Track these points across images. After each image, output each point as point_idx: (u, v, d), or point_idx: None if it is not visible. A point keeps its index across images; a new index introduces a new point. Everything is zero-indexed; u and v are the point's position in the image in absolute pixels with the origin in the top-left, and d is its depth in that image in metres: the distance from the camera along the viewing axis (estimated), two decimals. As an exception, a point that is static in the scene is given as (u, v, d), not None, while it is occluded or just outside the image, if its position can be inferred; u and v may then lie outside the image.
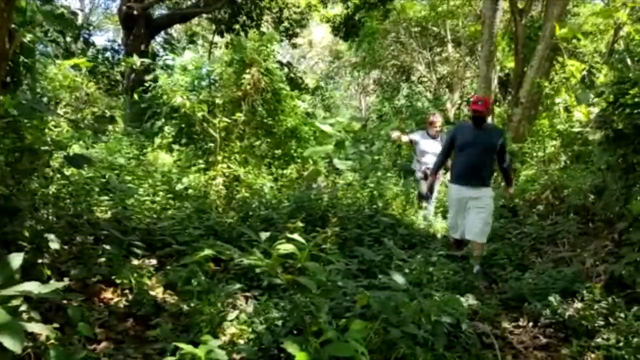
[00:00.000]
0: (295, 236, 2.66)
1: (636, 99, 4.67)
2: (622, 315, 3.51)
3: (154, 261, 4.09)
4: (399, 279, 2.92)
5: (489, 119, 7.00)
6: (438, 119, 7.08)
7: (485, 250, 4.86)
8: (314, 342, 2.24)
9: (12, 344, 1.85)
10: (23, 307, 2.33)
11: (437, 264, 4.32)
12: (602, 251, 4.82)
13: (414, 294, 3.25)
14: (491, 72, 9.42)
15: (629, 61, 5.85)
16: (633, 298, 3.83)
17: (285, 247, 2.55)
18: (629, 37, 8.97)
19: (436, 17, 16.15)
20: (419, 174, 7.03)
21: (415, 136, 7.15)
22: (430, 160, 6.51)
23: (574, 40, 10.47)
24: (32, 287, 2.28)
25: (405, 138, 7.38)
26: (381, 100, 21.38)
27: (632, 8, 9.22)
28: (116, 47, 15.90)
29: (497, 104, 11.89)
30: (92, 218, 4.45)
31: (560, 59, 9.66)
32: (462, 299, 3.63)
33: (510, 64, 12.38)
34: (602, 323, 3.46)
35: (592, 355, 3.14)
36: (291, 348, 2.20)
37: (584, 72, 9.03)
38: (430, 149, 6.79)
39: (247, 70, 7.78)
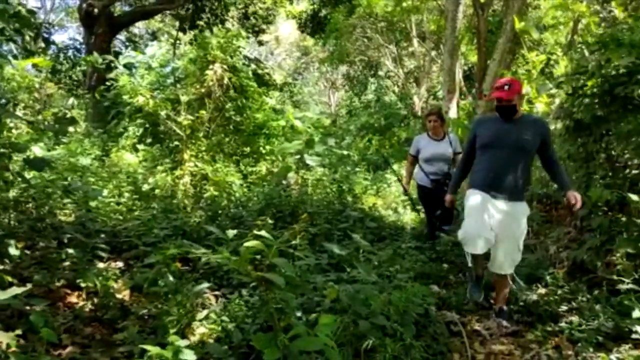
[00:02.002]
0: (263, 233, 2.65)
1: (594, 90, 4.82)
2: (584, 299, 3.65)
3: (120, 264, 4.02)
4: (365, 271, 2.94)
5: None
6: (434, 113, 5.47)
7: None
8: (283, 337, 2.24)
9: (-32, 354, 1.78)
10: (-19, 316, 2.26)
11: (406, 256, 4.37)
12: (564, 238, 4.97)
13: (383, 286, 3.29)
14: (455, 65, 9.57)
15: (586, 53, 6.01)
16: (594, 282, 3.97)
17: (253, 244, 2.54)
18: (587, 29, 9.24)
19: (401, 12, 16.29)
20: (422, 181, 5.26)
21: (416, 144, 5.37)
22: (437, 168, 5.13)
23: (534, 34, 10.72)
24: (-9, 294, 2.21)
25: (405, 181, 5.63)
26: (350, 95, 21.54)
27: (590, 0, 9.50)
28: (78, 46, 15.52)
29: (462, 97, 12.10)
30: (55, 222, 4.34)
31: (522, 51, 9.90)
32: (431, 289, 3.70)
33: (474, 58, 12.61)
34: (565, 308, 3.58)
35: (556, 339, 3.24)
36: (260, 344, 2.19)
37: (544, 64, 9.27)
38: (436, 153, 5.17)
39: (210, 67, 7.69)
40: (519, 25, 7.25)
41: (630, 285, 3.48)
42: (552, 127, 6.63)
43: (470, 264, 3.63)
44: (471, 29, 12.46)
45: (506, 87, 3.47)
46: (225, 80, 7.74)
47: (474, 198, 3.52)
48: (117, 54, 12.12)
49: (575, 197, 3.46)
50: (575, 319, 3.38)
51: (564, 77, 5.90)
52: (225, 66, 7.84)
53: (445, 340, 3.10)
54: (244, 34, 9.50)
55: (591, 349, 3.01)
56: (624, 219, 4.01)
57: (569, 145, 5.22)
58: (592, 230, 4.38)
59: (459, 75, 10.71)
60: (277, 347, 2.21)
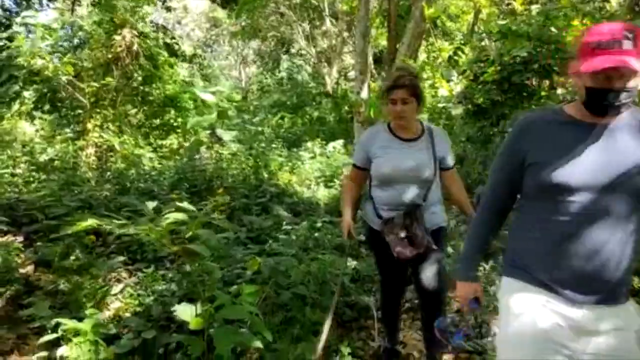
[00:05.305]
0: (186, 204, 2.61)
1: (494, 77, 5.24)
2: (481, 268, 4.01)
3: (20, 238, 3.75)
4: (286, 243, 3.02)
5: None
6: (401, 85, 2.33)
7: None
8: (208, 307, 2.25)
9: None
10: None
11: (322, 229, 4.51)
12: (461, 213, 5.40)
13: (301, 258, 3.39)
14: (367, 47, 9.80)
15: (486, 41, 6.48)
16: (487, 253, 4.37)
17: (175, 216, 2.49)
18: (487, 19, 9.93)
19: (315, -10, 16.30)
20: (374, 221, 2.51)
21: (367, 145, 2.51)
22: (401, 196, 2.44)
23: (439, 21, 11.29)
24: None
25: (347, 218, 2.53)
26: (262, 71, 21.30)
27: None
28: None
29: (372, 79, 12.47)
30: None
31: (430, 38, 10.40)
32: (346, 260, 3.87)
33: (384, 41, 13.02)
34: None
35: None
36: (184, 315, 2.19)
37: (451, 52, 9.83)
38: (403, 168, 2.41)
39: (119, 32, 7.21)
40: (428, 11, 7.60)
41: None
42: (454, 112, 7.09)
43: None
44: (382, 13, 12.80)
45: (627, 43, 1.28)
46: (135, 47, 7.31)
47: (525, 309, 1.47)
48: (9, 13, 10.95)
49: None
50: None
51: (466, 65, 6.34)
52: (134, 31, 7.39)
53: (359, 307, 3.28)
54: (152, -2, 8.99)
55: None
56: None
57: (469, 129, 5.64)
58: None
59: (369, 58, 10.98)
60: (202, 317, 2.22)
